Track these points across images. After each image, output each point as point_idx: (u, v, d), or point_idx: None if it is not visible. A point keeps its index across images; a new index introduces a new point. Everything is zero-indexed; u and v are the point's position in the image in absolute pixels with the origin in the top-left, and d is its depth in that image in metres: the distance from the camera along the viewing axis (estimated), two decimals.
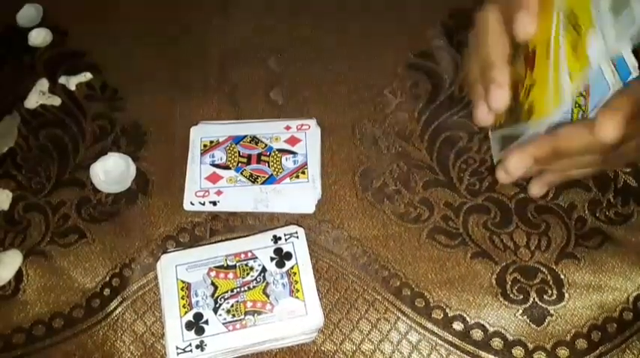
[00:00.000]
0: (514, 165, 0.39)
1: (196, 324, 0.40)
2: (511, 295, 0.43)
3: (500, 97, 0.38)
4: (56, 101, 0.53)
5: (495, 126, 0.45)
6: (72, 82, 0.54)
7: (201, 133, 0.50)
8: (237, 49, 0.56)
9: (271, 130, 0.50)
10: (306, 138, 0.49)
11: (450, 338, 0.42)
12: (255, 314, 0.40)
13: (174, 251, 0.44)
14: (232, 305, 0.41)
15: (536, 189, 0.45)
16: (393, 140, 0.50)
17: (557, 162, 0.40)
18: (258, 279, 0.42)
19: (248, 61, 0.55)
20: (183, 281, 0.42)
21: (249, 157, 0.48)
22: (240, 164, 0.48)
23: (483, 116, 0.41)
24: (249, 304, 0.41)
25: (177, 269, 0.42)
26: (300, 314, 0.40)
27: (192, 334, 0.40)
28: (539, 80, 0.38)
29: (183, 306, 0.41)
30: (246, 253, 0.43)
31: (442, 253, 0.45)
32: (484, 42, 0.40)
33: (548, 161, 0.40)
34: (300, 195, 0.47)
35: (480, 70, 0.40)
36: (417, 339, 0.42)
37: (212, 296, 0.41)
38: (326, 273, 0.44)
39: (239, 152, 0.49)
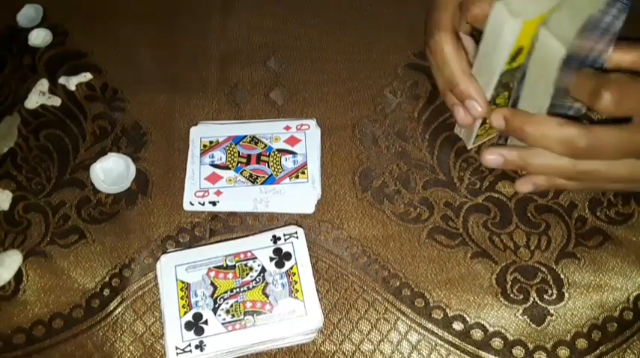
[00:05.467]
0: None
1: (196, 324, 0.40)
2: (511, 295, 0.43)
3: (474, 105, 0.42)
4: (56, 101, 0.53)
5: None
6: (72, 83, 0.54)
7: (200, 133, 0.50)
8: (237, 49, 0.56)
9: (271, 130, 0.50)
10: (305, 138, 0.49)
11: (450, 338, 0.42)
12: (255, 315, 0.40)
13: (173, 251, 0.44)
14: (232, 306, 0.41)
15: (521, 186, 0.45)
16: (393, 140, 0.50)
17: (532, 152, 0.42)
18: (257, 279, 0.42)
19: (248, 61, 0.55)
20: (182, 282, 0.42)
21: (248, 157, 0.48)
22: (239, 164, 0.48)
23: (462, 118, 0.44)
24: (248, 304, 0.41)
25: (176, 270, 0.42)
26: (299, 314, 0.40)
27: (191, 334, 0.40)
28: None
29: (183, 306, 0.41)
30: (245, 253, 0.43)
31: (442, 253, 0.45)
32: (444, 66, 0.43)
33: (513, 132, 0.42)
34: (300, 195, 0.47)
35: (447, 86, 0.44)
36: (417, 339, 0.42)
37: (211, 296, 0.41)
38: (325, 273, 0.44)
39: (239, 152, 0.49)
